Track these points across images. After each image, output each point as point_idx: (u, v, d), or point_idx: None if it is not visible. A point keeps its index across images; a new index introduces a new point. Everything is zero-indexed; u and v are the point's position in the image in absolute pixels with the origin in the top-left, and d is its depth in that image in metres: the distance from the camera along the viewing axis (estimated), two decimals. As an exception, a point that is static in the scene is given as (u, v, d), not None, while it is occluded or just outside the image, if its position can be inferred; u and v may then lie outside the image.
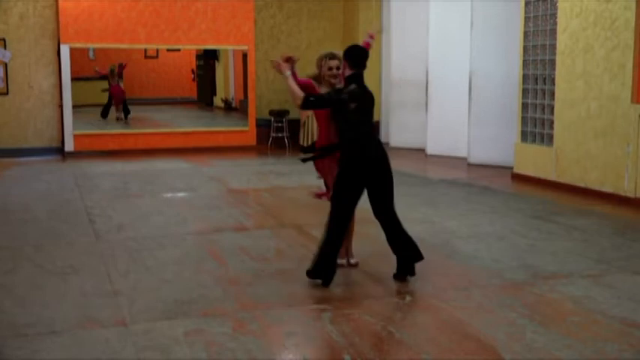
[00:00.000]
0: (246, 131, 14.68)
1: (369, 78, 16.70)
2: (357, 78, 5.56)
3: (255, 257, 6.19)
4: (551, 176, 9.93)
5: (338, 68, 5.77)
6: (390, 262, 6.14)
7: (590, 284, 5.51)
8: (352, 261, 5.95)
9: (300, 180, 9.81)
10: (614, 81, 8.89)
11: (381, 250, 6.60)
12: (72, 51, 13.53)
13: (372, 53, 17.71)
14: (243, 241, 6.88)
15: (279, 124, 14.59)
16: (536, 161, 10.27)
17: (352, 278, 5.72)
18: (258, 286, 5.36)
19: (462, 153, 12.55)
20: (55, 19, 13.65)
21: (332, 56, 5.88)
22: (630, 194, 8.64)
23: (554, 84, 9.95)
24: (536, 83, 10.36)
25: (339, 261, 5.64)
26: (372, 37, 6.46)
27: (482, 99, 12.02)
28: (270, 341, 4.23)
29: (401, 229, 5.63)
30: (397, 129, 14.77)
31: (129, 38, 13.84)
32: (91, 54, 17.11)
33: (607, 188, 8.98)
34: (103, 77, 17.77)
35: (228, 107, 18.25)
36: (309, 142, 6.17)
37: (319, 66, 5.92)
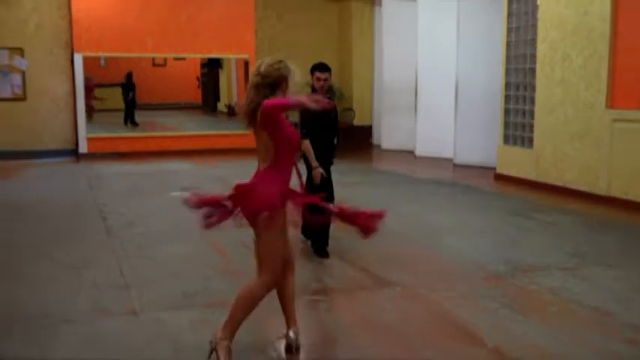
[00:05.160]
0: (248, 135, 14.61)
1: (363, 86, 16.76)
2: None
3: (256, 251, 6.20)
4: (531, 176, 9.97)
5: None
6: (380, 256, 6.18)
7: (566, 276, 5.55)
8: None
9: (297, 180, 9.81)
10: (590, 88, 8.92)
11: (373, 246, 6.64)
12: (84, 59, 13.55)
13: (364, 60, 17.70)
14: (245, 237, 6.85)
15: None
16: (517, 162, 10.31)
17: (346, 272, 5.75)
18: (259, 279, 5.37)
19: (449, 154, 12.59)
20: (68, 30, 13.65)
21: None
22: (604, 193, 8.68)
23: (534, 91, 9.98)
24: (518, 90, 10.40)
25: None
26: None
27: (468, 104, 12.06)
28: (270, 329, 4.25)
29: None
30: (388, 132, 14.81)
31: (138, 47, 13.86)
32: (102, 62, 17.14)
33: (583, 187, 9.02)
34: (117, 85, 17.85)
35: (230, 112, 18.28)
36: None
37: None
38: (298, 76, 3.83)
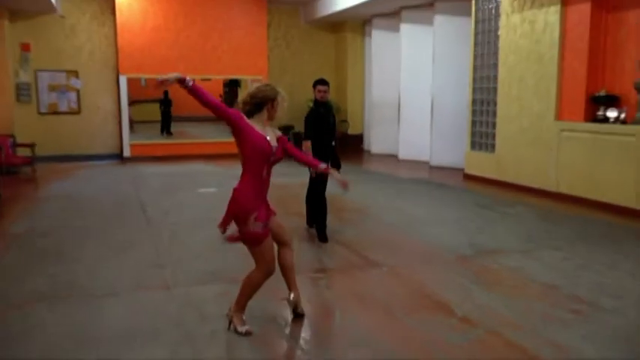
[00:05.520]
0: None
1: (355, 102, 16.71)
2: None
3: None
4: (494, 176, 9.95)
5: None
6: (370, 241, 6.16)
7: (522, 257, 5.54)
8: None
9: (301, 179, 9.79)
10: (541, 103, 8.91)
11: (364, 233, 6.63)
12: (128, 80, 13.54)
13: (357, 81, 17.66)
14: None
15: (286, 136, 14.56)
16: (482, 164, 10.29)
17: (342, 254, 5.73)
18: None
19: (425, 158, 12.57)
20: (115, 55, 13.64)
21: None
22: (553, 189, 8.66)
23: (495, 106, 9.96)
24: (482, 105, 10.38)
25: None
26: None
27: (441, 117, 12.03)
28: (279, 300, 4.24)
29: None
30: (376, 139, 14.78)
31: (172, 70, 13.75)
32: (142, 82, 17.11)
33: (536, 185, 9.00)
34: (155, 100, 17.81)
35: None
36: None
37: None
38: (286, 100, 3.75)
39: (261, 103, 3.67)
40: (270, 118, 3.74)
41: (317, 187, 6.18)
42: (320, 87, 6.07)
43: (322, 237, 6.08)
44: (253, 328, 3.78)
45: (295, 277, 4.04)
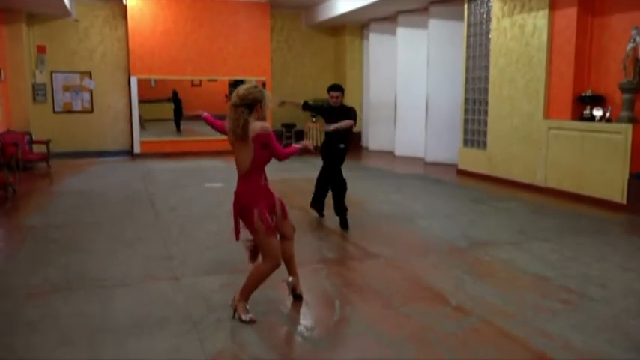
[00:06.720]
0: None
1: (354, 101, 16.67)
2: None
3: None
4: (486, 172, 9.89)
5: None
6: (368, 234, 6.11)
7: (513, 249, 5.49)
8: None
9: (304, 174, 9.75)
10: (530, 103, 8.84)
11: (362, 225, 6.58)
12: (138, 80, 13.47)
13: (356, 82, 17.58)
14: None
15: (288, 133, 14.53)
16: (474, 161, 10.23)
17: (341, 246, 5.68)
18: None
19: (420, 154, 12.51)
20: (126, 57, 13.58)
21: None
22: (542, 185, 8.61)
23: (487, 105, 9.90)
24: (475, 104, 10.32)
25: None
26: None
27: (436, 115, 11.97)
28: (282, 290, 4.20)
29: None
30: (374, 137, 14.72)
31: (180, 71, 13.78)
32: (152, 83, 17.01)
33: (525, 180, 8.95)
34: (164, 100, 17.70)
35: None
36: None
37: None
38: (270, 100, 3.70)
39: (252, 104, 3.60)
40: (259, 118, 3.65)
41: (333, 169, 6.21)
42: (332, 93, 6.10)
43: (344, 225, 6.15)
44: (257, 316, 3.74)
45: (296, 265, 4.13)
